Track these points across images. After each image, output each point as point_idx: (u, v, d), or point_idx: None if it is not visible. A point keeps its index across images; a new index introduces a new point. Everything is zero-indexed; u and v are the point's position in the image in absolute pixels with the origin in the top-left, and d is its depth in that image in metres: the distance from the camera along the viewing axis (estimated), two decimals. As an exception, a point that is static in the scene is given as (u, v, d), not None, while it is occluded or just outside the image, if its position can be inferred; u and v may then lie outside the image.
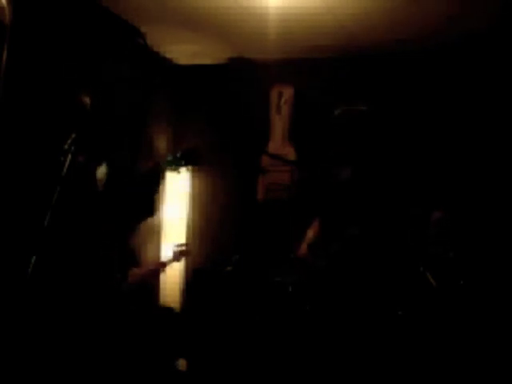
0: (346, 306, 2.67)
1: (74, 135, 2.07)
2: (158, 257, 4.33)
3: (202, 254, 4.41)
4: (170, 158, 4.18)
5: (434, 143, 3.77)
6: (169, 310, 3.42)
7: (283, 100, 4.27)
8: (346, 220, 2.75)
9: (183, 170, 4.22)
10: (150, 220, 3.21)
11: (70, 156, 2.04)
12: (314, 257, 2.86)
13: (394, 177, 3.30)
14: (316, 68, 4.17)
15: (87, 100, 2.31)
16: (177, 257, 3.29)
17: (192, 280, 4.30)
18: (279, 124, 4.30)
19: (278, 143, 4.29)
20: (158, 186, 3.16)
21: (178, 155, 3.87)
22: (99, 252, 2.78)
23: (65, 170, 2.03)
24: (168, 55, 4.44)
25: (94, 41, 3.30)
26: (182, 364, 3.40)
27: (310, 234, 2.98)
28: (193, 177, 4.49)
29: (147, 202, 3.06)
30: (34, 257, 1.92)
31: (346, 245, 2.69)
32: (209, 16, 3.48)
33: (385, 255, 2.75)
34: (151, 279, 3.51)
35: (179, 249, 3.32)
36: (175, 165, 4.06)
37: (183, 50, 4.29)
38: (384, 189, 2.84)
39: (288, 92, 4.26)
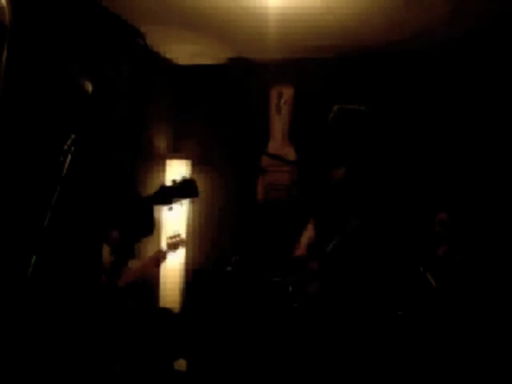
0: (345, 306, 2.67)
1: (73, 136, 2.07)
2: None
3: (201, 254, 4.41)
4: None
5: (435, 143, 3.77)
6: (167, 310, 3.41)
7: (283, 100, 4.27)
8: (343, 220, 2.74)
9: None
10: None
11: (69, 156, 2.04)
12: (312, 257, 2.85)
13: (395, 177, 3.30)
14: (316, 68, 4.17)
15: (88, 85, 2.30)
16: (171, 247, 3.26)
17: (192, 280, 4.30)
18: (279, 124, 4.30)
19: (278, 143, 4.29)
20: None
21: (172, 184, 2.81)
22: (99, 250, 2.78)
23: (65, 170, 2.03)
24: (168, 55, 4.44)
25: (93, 41, 3.30)
26: (181, 364, 3.41)
27: (307, 235, 2.98)
28: (193, 177, 4.49)
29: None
30: (34, 257, 1.92)
31: (346, 238, 2.68)
32: (209, 16, 3.48)
33: (384, 255, 2.75)
34: (150, 271, 3.44)
35: (173, 240, 3.29)
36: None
37: (183, 50, 4.29)
38: (384, 189, 2.84)
39: (288, 92, 4.26)
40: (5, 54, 1.88)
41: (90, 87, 2.24)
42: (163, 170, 4.43)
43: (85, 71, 2.64)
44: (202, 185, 4.55)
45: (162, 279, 4.27)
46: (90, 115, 2.26)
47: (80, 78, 2.32)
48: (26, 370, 2.32)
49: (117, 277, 2.87)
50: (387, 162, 3.16)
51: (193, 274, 4.31)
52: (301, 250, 2.96)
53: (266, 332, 3.35)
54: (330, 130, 2.81)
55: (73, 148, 2.06)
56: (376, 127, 2.87)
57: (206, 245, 4.45)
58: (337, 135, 2.80)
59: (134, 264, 3.10)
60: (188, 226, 4.43)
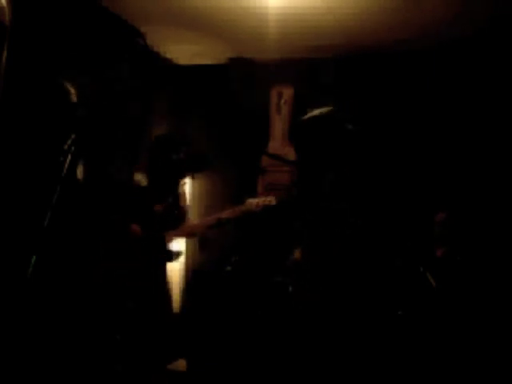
0: (346, 307, 2.67)
1: (73, 136, 2.07)
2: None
3: (201, 255, 4.41)
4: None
5: (435, 143, 3.77)
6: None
7: (283, 100, 4.27)
8: (342, 222, 2.75)
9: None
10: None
11: (69, 156, 2.04)
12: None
13: (394, 178, 3.30)
14: (316, 68, 4.17)
15: (71, 88, 2.31)
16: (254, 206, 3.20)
17: (192, 280, 4.30)
18: (279, 124, 4.30)
19: (278, 143, 4.29)
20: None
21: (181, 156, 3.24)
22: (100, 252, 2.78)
23: (65, 170, 2.03)
24: (168, 55, 4.44)
25: (93, 41, 3.30)
26: (181, 364, 3.40)
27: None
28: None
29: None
30: (34, 257, 1.92)
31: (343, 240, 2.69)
32: (209, 16, 3.48)
33: (384, 255, 2.75)
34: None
35: (257, 201, 3.19)
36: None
37: (183, 50, 4.29)
38: (383, 190, 2.85)
39: (288, 92, 4.26)
40: (5, 53, 1.89)
41: (74, 96, 2.25)
42: (163, 170, 4.42)
43: (71, 78, 2.66)
44: (202, 184, 4.57)
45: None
46: (84, 118, 2.26)
47: (65, 85, 2.34)
48: (26, 369, 2.32)
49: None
50: (385, 164, 3.17)
51: (193, 275, 4.31)
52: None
53: (266, 332, 3.35)
54: (297, 137, 2.84)
55: (73, 148, 2.06)
56: (376, 129, 2.88)
57: (205, 245, 4.45)
58: (306, 141, 2.82)
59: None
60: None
